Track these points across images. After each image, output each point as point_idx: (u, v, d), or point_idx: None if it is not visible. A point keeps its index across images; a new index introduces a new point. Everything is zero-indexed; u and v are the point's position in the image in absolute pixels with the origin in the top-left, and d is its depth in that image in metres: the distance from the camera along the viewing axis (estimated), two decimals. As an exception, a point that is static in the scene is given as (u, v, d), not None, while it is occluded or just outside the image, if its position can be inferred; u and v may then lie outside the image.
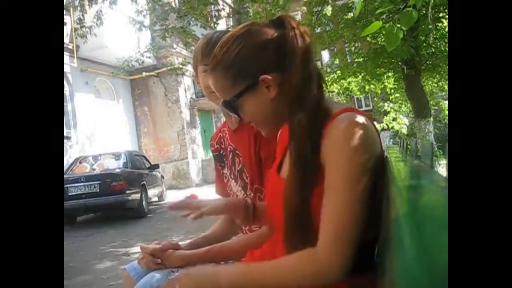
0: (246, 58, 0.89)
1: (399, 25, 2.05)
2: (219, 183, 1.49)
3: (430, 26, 7.09)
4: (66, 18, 10.39)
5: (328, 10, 9.83)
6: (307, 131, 0.85)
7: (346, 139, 0.80)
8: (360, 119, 0.84)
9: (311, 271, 0.78)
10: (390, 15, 4.86)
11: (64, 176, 7.63)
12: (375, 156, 0.83)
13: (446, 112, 14.97)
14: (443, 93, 14.35)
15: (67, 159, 9.79)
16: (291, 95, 0.88)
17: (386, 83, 11.97)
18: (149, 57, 11.52)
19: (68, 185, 7.38)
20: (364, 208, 0.79)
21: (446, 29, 8.54)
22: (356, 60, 10.36)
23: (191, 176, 14.32)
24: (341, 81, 11.89)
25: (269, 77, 0.89)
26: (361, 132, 0.81)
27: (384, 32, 2.37)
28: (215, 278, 0.86)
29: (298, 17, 13.47)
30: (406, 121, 12.53)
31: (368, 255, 0.89)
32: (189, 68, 14.90)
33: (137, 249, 5.54)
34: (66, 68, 10.76)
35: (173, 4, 10.24)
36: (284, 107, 0.89)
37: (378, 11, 3.96)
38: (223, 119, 1.53)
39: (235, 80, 0.91)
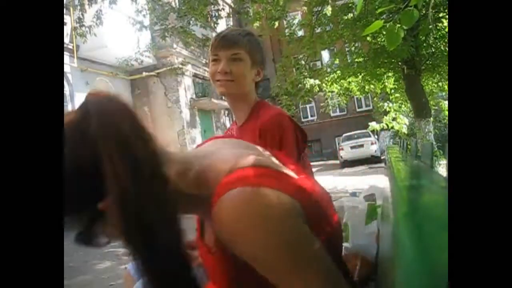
0: (68, 194, 0.63)
1: (399, 25, 2.05)
2: None
3: (430, 26, 7.09)
4: (66, 18, 10.39)
5: (328, 10, 9.83)
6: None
7: (246, 231, 0.59)
8: (253, 192, 0.60)
9: None
10: (390, 15, 4.86)
11: (64, 176, 7.63)
12: (299, 224, 0.62)
13: (446, 112, 14.96)
14: (443, 93, 14.35)
15: (67, 159, 9.78)
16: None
17: (386, 83, 11.97)
18: (149, 57, 11.52)
19: (68, 185, 7.38)
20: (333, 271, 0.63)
21: (446, 29, 8.54)
22: (356, 60, 10.36)
23: (191, 176, 14.32)
24: (341, 81, 11.88)
25: (106, 203, 0.64)
26: (260, 212, 0.59)
27: (384, 32, 2.37)
28: None
29: (298, 17, 13.49)
30: (406, 121, 12.52)
31: None
32: (189, 68, 14.94)
33: (137, 249, 5.53)
34: (66, 68, 10.76)
35: (173, 4, 10.24)
36: None
37: (379, 10, 3.96)
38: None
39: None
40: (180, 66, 13.27)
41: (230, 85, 1.32)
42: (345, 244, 1.80)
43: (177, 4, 10.69)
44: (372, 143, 16.87)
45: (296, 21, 11.52)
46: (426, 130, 9.43)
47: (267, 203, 0.59)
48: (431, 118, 10.09)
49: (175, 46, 13.82)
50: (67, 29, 10.82)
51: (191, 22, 9.33)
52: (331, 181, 10.19)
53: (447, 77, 10.50)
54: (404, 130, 12.15)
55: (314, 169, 1.56)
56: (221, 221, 0.60)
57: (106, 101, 0.68)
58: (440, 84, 12.42)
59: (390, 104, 12.33)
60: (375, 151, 16.71)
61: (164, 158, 0.69)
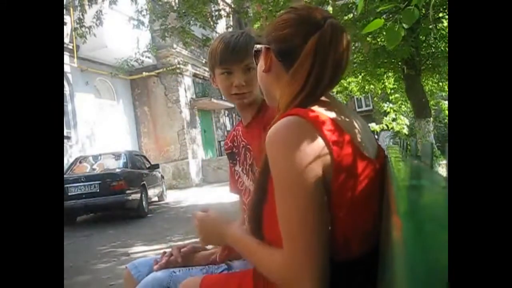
0: None
1: (400, 24, 2.06)
2: (232, 180, 1.50)
3: (430, 26, 7.09)
4: (66, 18, 10.38)
5: (329, 10, 9.83)
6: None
7: (270, 146, 0.80)
8: (291, 123, 0.79)
9: (272, 267, 0.85)
10: (390, 15, 4.86)
11: (64, 176, 7.63)
12: (309, 162, 0.76)
13: (446, 112, 14.96)
14: (443, 93, 14.35)
15: (67, 159, 9.79)
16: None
17: (386, 83, 11.96)
18: (149, 57, 11.51)
19: (68, 185, 7.38)
20: (316, 215, 0.76)
21: (446, 29, 8.53)
22: (356, 60, 10.34)
23: (191, 176, 14.32)
24: (341, 81, 11.87)
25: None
26: (284, 139, 0.78)
27: (384, 32, 2.38)
28: (223, 231, 1.04)
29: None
30: (406, 121, 12.51)
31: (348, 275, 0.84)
32: (189, 68, 14.93)
33: (137, 249, 5.54)
34: (66, 68, 10.76)
35: (173, 4, 10.23)
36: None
37: (381, 8, 3.96)
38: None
39: None
40: (180, 66, 13.25)
41: (247, 96, 1.34)
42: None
43: (177, 3, 10.69)
44: (372, 143, 16.86)
45: (296, 21, 11.50)
46: (426, 130, 9.42)
47: (291, 128, 0.79)
48: (431, 118, 10.08)
49: (175, 46, 13.80)
50: (67, 29, 10.81)
51: (191, 22, 9.33)
52: (331, 181, 10.16)
53: (447, 77, 10.49)
54: (405, 130, 12.15)
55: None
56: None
57: None
58: (440, 84, 12.41)
59: (390, 105, 12.33)
60: (375, 151, 16.70)
61: None
